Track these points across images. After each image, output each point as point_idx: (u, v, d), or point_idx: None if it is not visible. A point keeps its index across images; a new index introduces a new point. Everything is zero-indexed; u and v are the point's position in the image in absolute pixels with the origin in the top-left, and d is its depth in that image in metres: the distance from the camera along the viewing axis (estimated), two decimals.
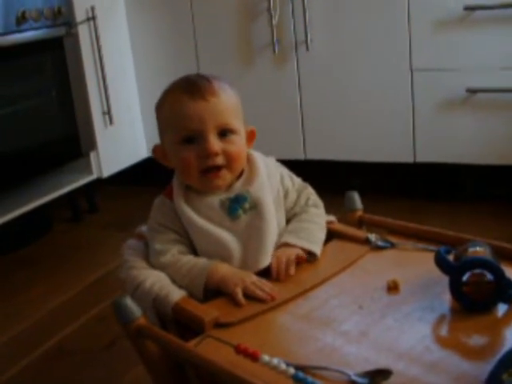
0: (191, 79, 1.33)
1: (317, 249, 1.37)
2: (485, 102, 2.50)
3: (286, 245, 1.34)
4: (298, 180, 1.46)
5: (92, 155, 2.87)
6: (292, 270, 1.30)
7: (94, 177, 2.89)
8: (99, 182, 2.96)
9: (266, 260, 1.31)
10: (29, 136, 2.60)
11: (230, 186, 1.34)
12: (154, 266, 1.32)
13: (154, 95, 3.06)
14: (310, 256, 1.36)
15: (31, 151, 2.61)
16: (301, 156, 2.85)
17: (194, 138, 1.29)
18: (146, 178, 3.21)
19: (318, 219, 1.42)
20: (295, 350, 1.06)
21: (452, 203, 2.70)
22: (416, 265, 1.30)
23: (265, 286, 1.23)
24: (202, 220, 1.31)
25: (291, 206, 1.42)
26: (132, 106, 3.09)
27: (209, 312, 1.15)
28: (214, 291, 1.26)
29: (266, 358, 0.98)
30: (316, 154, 2.84)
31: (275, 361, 0.97)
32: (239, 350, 1.00)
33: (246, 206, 1.32)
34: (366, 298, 1.20)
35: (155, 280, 1.24)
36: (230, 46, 2.87)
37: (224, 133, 1.30)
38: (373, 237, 1.40)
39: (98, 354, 1.90)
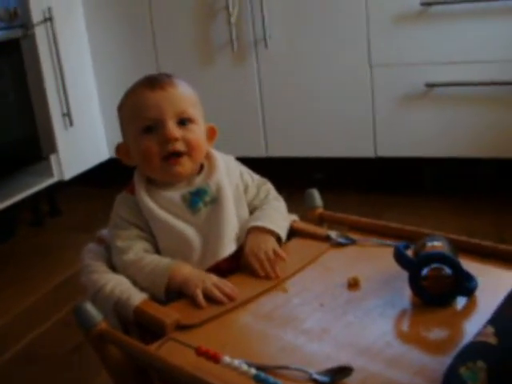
0: (151, 75, 1.37)
1: (282, 233, 1.39)
2: (443, 96, 2.52)
3: (254, 229, 1.35)
4: (256, 176, 1.48)
5: (53, 157, 2.84)
6: (277, 268, 1.30)
7: (55, 179, 2.86)
8: (61, 185, 2.93)
9: (225, 251, 1.32)
10: None
11: (190, 180, 1.36)
12: (116, 265, 1.32)
13: (114, 95, 3.04)
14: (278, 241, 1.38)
15: None
16: (262, 153, 2.85)
17: (153, 127, 1.30)
18: (109, 180, 3.19)
19: (280, 209, 1.44)
20: (257, 350, 1.06)
21: (412, 197, 2.72)
22: (376, 261, 1.31)
23: (225, 287, 1.23)
24: (164, 213, 1.32)
25: (251, 200, 1.43)
26: (92, 107, 3.07)
27: (170, 314, 1.14)
28: (176, 292, 1.25)
29: (227, 359, 0.98)
30: (277, 151, 2.85)
31: (236, 362, 0.97)
32: (200, 352, 1.00)
33: (207, 199, 1.34)
34: (327, 296, 1.20)
35: (116, 284, 1.24)
36: (189, 44, 2.86)
37: (183, 121, 1.32)
38: (333, 234, 1.41)
39: (64, 358, 1.89)
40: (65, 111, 2.85)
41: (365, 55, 2.59)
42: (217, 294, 1.21)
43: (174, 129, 1.30)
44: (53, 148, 2.82)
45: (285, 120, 2.79)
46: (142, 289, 1.25)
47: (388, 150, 2.68)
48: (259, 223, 1.36)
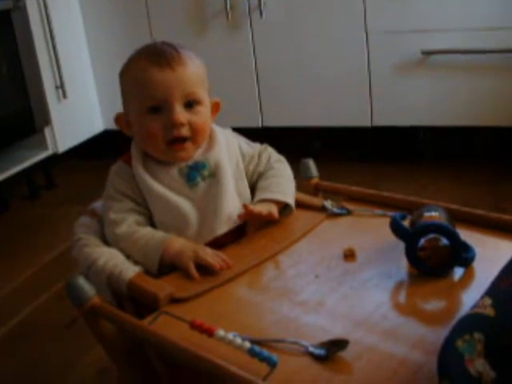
0: (158, 47, 1.30)
1: (291, 200, 1.37)
2: (440, 63, 2.50)
3: (261, 201, 1.34)
4: (256, 144, 1.46)
5: (46, 130, 2.82)
6: (262, 215, 1.30)
7: (49, 152, 2.84)
8: (56, 157, 2.91)
9: (222, 228, 1.30)
10: None
11: None
12: (107, 237, 1.30)
13: (108, 67, 3.05)
14: (286, 209, 1.37)
15: None
16: (258, 124, 2.83)
17: (159, 108, 1.27)
18: (103, 152, 3.18)
19: (284, 172, 1.42)
20: (251, 323, 1.05)
21: (410, 166, 2.71)
22: (372, 231, 1.30)
23: (219, 256, 1.21)
24: (161, 187, 1.29)
25: (254, 168, 1.41)
26: (86, 78, 3.04)
27: (163, 287, 1.13)
28: (169, 266, 1.24)
29: (221, 333, 0.96)
30: (273, 121, 2.83)
31: (230, 336, 0.95)
32: (194, 326, 0.99)
33: (205, 173, 1.32)
34: (323, 267, 1.19)
35: (109, 257, 1.22)
36: (182, 13, 2.83)
37: (190, 103, 1.28)
38: (329, 204, 1.39)
39: (59, 332, 1.88)
40: (58, 84, 2.83)
41: (361, 22, 2.57)
42: (210, 260, 1.19)
43: (180, 113, 1.26)
44: (46, 121, 2.80)
45: (280, 90, 2.77)
46: (135, 262, 1.23)
47: (384, 119, 2.67)
48: (267, 196, 1.34)
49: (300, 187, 1.49)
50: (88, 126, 3.06)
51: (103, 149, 3.17)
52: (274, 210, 1.33)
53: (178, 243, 1.24)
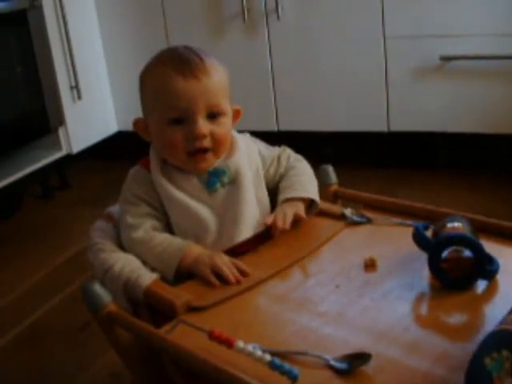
0: (182, 54, 1.27)
1: (316, 197, 1.36)
2: (459, 69, 2.47)
3: (286, 200, 1.33)
4: (275, 147, 1.44)
5: (61, 131, 2.81)
6: (288, 224, 1.28)
7: (63, 153, 2.83)
8: (70, 158, 2.90)
9: (241, 235, 1.28)
10: None
11: None
12: (123, 242, 1.28)
13: (123, 67, 3.03)
14: (312, 208, 1.36)
15: None
16: (273, 127, 2.81)
17: (182, 119, 1.25)
18: (117, 153, 3.17)
19: (305, 170, 1.41)
20: (271, 333, 1.03)
21: (426, 172, 2.68)
22: (393, 240, 1.27)
23: (235, 267, 1.19)
24: (180, 193, 1.27)
25: (275, 170, 1.40)
26: (100, 79, 3.03)
27: (181, 295, 1.11)
28: (186, 273, 1.22)
29: (240, 344, 0.94)
30: (289, 125, 2.80)
31: (250, 347, 0.93)
32: (213, 336, 0.97)
33: (225, 179, 1.30)
34: (343, 277, 1.17)
35: (125, 263, 1.20)
36: (199, 15, 2.81)
37: (213, 114, 1.26)
38: (349, 212, 1.37)
39: (73, 335, 1.87)
40: (73, 84, 2.81)
41: (379, 27, 2.54)
42: (226, 271, 1.18)
43: (203, 125, 1.24)
44: (61, 121, 2.79)
45: (296, 93, 2.74)
46: (151, 269, 1.22)
47: (401, 124, 2.64)
48: (291, 194, 1.33)
49: (318, 194, 1.47)
50: (102, 126, 3.05)
51: (117, 150, 3.15)
52: (301, 208, 1.32)
53: (195, 251, 1.23)
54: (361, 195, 1.45)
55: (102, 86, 3.03)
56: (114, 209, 1.39)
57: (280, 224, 1.27)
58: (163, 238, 1.26)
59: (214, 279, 1.17)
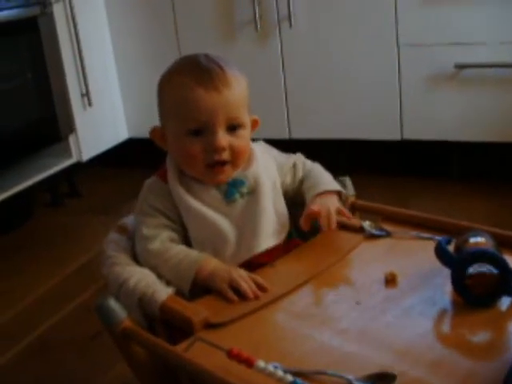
0: (202, 64, 1.25)
1: (338, 187, 1.37)
2: (473, 77, 2.44)
3: (317, 195, 1.32)
4: (289, 155, 1.43)
5: (71, 138, 2.79)
6: (334, 223, 1.28)
7: (73, 160, 2.82)
8: (80, 165, 2.88)
9: (260, 246, 1.26)
10: (4, 120, 2.51)
11: None
12: (138, 254, 1.26)
13: (134, 74, 3.01)
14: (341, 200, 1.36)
15: (7, 136, 2.52)
16: (285, 135, 2.78)
17: (201, 130, 1.23)
18: (128, 160, 3.16)
19: (323, 170, 1.41)
20: (291, 351, 1.00)
21: (439, 181, 2.65)
22: (413, 255, 1.25)
23: (253, 281, 1.17)
24: (198, 203, 1.26)
25: (293, 177, 1.39)
26: (111, 86, 3.01)
27: (198, 312, 1.08)
28: (202, 287, 1.20)
29: (261, 364, 0.91)
30: (301, 133, 2.78)
31: (271, 367, 0.91)
32: (232, 355, 0.94)
33: (244, 190, 1.28)
34: (364, 293, 1.14)
35: (140, 278, 1.17)
36: (210, 21, 2.79)
37: (233, 127, 1.25)
38: (367, 225, 1.34)
39: (83, 346, 1.84)
40: (83, 91, 2.80)
41: (392, 34, 2.51)
42: (244, 286, 1.15)
43: (223, 138, 1.23)
44: (71, 129, 2.77)
45: (308, 101, 2.72)
46: (167, 282, 1.19)
47: (414, 132, 2.62)
48: (320, 189, 1.33)
49: None
50: (113, 134, 3.03)
51: (128, 157, 3.14)
52: (336, 201, 1.32)
53: (211, 264, 1.20)
54: (380, 208, 1.42)
55: (113, 93, 3.02)
56: (128, 220, 1.36)
57: (326, 224, 1.27)
58: (179, 249, 1.23)
59: (231, 294, 1.15)
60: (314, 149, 2.78)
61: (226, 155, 1.24)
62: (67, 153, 2.80)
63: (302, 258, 1.27)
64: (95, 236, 2.53)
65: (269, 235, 1.27)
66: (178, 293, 1.18)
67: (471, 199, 2.46)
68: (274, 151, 1.42)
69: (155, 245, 1.23)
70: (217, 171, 1.25)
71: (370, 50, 2.57)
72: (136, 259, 1.26)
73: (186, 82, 1.23)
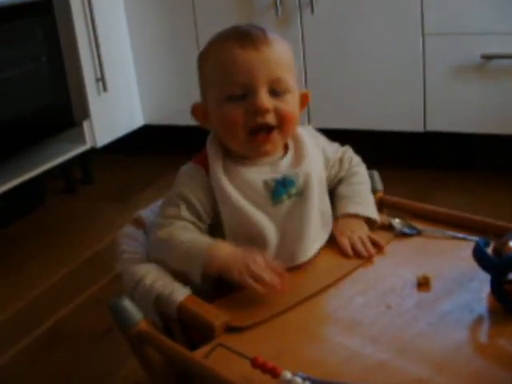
0: (242, 28, 1.16)
1: (375, 214, 1.26)
2: (501, 68, 2.37)
3: (347, 216, 1.23)
4: (336, 144, 1.34)
5: (85, 124, 2.73)
6: (371, 248, 1.19)
7: (87, 147, 2.76)
8: (94, 151, 2.83)
9: (304, 255, 1.16)
10: (18, 105, 2.46)
11: (275, 163, 1.19)
12: (148, 243, 1.18)
13: (150, 59, 2.95)
14: (370, 223, 1.25)
15: (21, 121, 2.47)
16: (304, 124, 2.71)
17: (242, 94, 1.13)
18: (143, 147, 3.10)
19: (364, 178, 1.33)
20: (319, 360, 0.93)
21: (464, 174, 2.58)
22: (447, 255, 1.18)
23: (271, 270, 1.05)
24: (242, 198, 1.14)
25: (336, 173, 1.30)
26: (127, 71, 2.95)
27: (219, 315, 1.01)
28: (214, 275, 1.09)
29: (287, 375, 0.85)
30: (321, 122, 2.69)
31: (299, 380, 0.84)
32: (256, 364, 0.87)
33: (292, 191, 1.17)
34: (394, 296, 1.06)
35: (157, 276, 1.10)
36: (229, 6, 2.72)
37: (277, 90, 1.13)
38: (397, 223, 1.27)
39: (94, 339, 1.79)
40: (99, 76, 2.74)
41: (417, 23, 2.44)
42: (266, 277, 1.04)
43: (265, 98, 1.11)
44: (86, 114, 2.72)
45: (330, 91, 2.65)
46: (184, 282, 1.10)
47: (438, 124, 2.54)
48: (352, 210, 1.23)
49: None
50: (128, 120, 2.97)
51: (143, 144, 3.09)
52: (367, 230, 1.23)
53: (223, 251, 1.09)
54: (409, 204, 1.35)
55: (129, 79, 2.95)
56: (144, 213, 1.29)
57: (365, 254, 1.18)
58: (190, 236, 1.12)
59: (256, 285, 1.04)
60: (333, 139, 2.73)
61: (270, 118, 1.12)
62: (81, 139, 2.74)
63: (328, 257, 1.19)
64: (108, 224, 2.49)
65: (313, 242, 1.17)
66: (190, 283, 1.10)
67: (498, 193, 2.39)
68: (322, 139, 1.32)
69: (164, 231, 1.13)
70: (261, 140, 1.14)
71: (394, 39, 2.50)
72: None
73: (224, 45, 1.14)
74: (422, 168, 2.67)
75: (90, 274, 2.15)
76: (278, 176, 1.17)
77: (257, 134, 1.14)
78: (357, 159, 1.34)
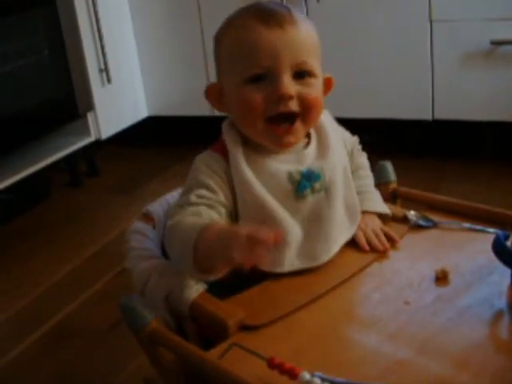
0: (266, 5, 1.07)
1: (386, 208, 1.22)
2: (510, 54, 2.33)
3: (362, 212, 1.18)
4: (348, 133, 1.27)
5: (89, 116, 2.71)
6: (385, 242, 1.15)
7: (92, 139, 2.74)
8: (99, 143, 2.81)
9: (325, 255, 1.10)
10: (22, 98, 2.44)
11: (299, 153, 1.11)
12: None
13: (154, 50, 2.92)
14: (381, 217, 1.21)
15: (25, 114, 2.44)
16: None
17: (263, 77, 1.04)
18: (147, 139, 3.08)
19: (369, 171, 1.27)
20: (337, 359, 0.90)
21: (473, 163, 2.55)
22: (464, 248, 1.14)
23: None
24: (263, 189, 1.06)
25: (350, 165, 1.22)
26: (130, 62, 2.92)
27: (233, 313, 0.98)
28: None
29: (306, 376, 0.82)
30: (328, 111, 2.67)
31: (318, 380, 0.81)
32: (273, 365, 0.84)
33: (317, 185, 1.09)
34: (412, 291, 1.03)
35: (168, 272, 1.06)
36: None
37: (301, 74, 1.06)
38: (412, 215, 1.23)
39: (101, 336, 1.77)
40: (102, 67, 2.71)
41: (425, 9, 2.41)
42: (262, 234, 0.89)
43: (289, 84, 1.03)
44: (90, 106, 2.69)
45: (336, 79, 2.57)
46: (197, 279, 1.04)
47: (447, 112, 2.52)
48: (363, 206, 1.18)
49: None
50: (132, 111, 2.94)
51: (147, 135, 3.06)
52: (380, 223, 1.19)
53: (212, 232, 0.96)
54: (423, 195, 1.31)
55: (133, 70, 2.92)
56: (153, 207, 1.25)
57: (380, 248, 1.14)
58: (193, 220, 1.01)
59: (262, 231, 0.89)
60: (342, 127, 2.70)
61: (293, 105, 1.04)
62: (86, 131, 2.72)
63: (342, 251, 1.14)
64: (114, 217, 2.46)
65: (336, 241, 1.12)
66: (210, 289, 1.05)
67: (506, 181, 2.35)
68: (339, 127, 1.24)
69: (172, 221, 1.03)
70: (284, 131, 1.06)
71: (401, 26, 2.47)
72: (164, 251, 1.14)
73: (246, 22, 1.06)
74: (430, 157, 2.64)
75: (96, 268, 2.13)
76: (303, 168, 1.09)
77: (277, 123, 1.06)
78: (361, 154, 1.28)
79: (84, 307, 1.92)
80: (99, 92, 2.72)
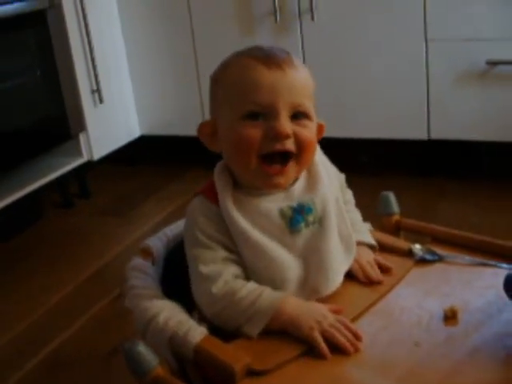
0: (265, 47, 1.11)
1: (373, 240, 1.23)
2: (506, 74, 2.35)
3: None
4: (336, 170, 1.25)
5: (81, 136, 2.70)
6: (379, 273, 1.15)
7: (84, 159, 2.73)
8: (90, 163, 2.79)
9: (327, 287, 1.10)
10: (13, 118, 2.42)
11: (288, 189, 1.11)
12: (198, 296, 1.08)
13: (146, 70, 2.90)
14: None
15: (16, 135, 2.43)
16: None
17: (261, 115, 1.05)
18: (139, 158, 3.06)
19: (354, 205, 1.28)
20: None
21: (469, 183, 2.54)
22: (473, 284, 1.12)
23: (346, 329, 1.00)
24: (257, 232, 1.07)
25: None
26: (123, 82, 2.91)
27: (239, 357, 0.95)
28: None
29: None
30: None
31: None
32: None
33: (310, 218, 1.10)
34: (421, 331, 1.01)
35: (171, 314, 1.04)
36: (227, 13, 2.68)
37: (298, 115, 1.07)
38: (418, 248, 1.21)
39: (98, 363, 1.75)
40: (94, 87, 2.71)
41: (420, 29, 2.41)
42: (340, 339, 0.98)
43: (287, 123, 1.04)
44: (81, 126, 2.68)
45: (331, 99, 2.60)
46: (200, 320, 1.06)
47: (442, 132, 2.52)
48: (356, 238, 1.18)
49: (378, 224, 1.32)
50: (124, 131, 2.94)
51: (139, 155, 3.04)
52: (368, 252, 1.19)
53: (290, 305, 1.03)
54: (427, 227, 1.29)
55: (125, 90, 2.91)
56: (152, 241, 1.22)
57: (376, 278, 1.14)
58: (250, 288, 1.05)
59: (325, 349, 0.98)
60: (336, 148, 2.67)
61: (290, 144, 1.05)
62: (78, 152, 2.72)
63: (347, 288, 1.12)
64: (107, 239, 2.44)
65: (337, 271, 1.12)
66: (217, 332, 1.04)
67: (505, 204, 2.34)
68: (328, 162, 1.23)
69: (219, 286, 1.05)
70: (276, 171, 1.07)
71: (397, 45, 2.47)
72: (164, 287, 1.13)
73: (247, 62, 1.07)
74: (426, 177, 2.62)
75: (91, 292, 2.10)
76: (294, 203, 1.10)
77: (270, 162, 1.07)
78: (346, 186, 1.29)
79: (79, 334, 1.89)
80: (91, 112, 2.71)
